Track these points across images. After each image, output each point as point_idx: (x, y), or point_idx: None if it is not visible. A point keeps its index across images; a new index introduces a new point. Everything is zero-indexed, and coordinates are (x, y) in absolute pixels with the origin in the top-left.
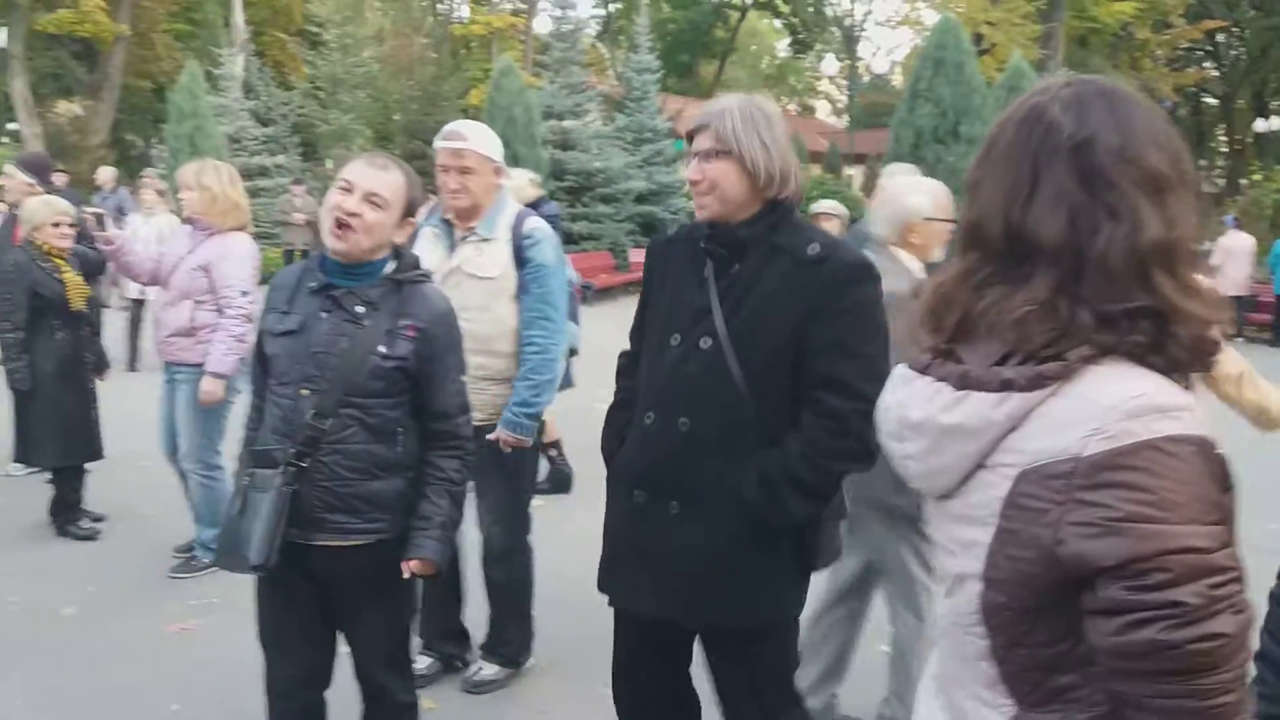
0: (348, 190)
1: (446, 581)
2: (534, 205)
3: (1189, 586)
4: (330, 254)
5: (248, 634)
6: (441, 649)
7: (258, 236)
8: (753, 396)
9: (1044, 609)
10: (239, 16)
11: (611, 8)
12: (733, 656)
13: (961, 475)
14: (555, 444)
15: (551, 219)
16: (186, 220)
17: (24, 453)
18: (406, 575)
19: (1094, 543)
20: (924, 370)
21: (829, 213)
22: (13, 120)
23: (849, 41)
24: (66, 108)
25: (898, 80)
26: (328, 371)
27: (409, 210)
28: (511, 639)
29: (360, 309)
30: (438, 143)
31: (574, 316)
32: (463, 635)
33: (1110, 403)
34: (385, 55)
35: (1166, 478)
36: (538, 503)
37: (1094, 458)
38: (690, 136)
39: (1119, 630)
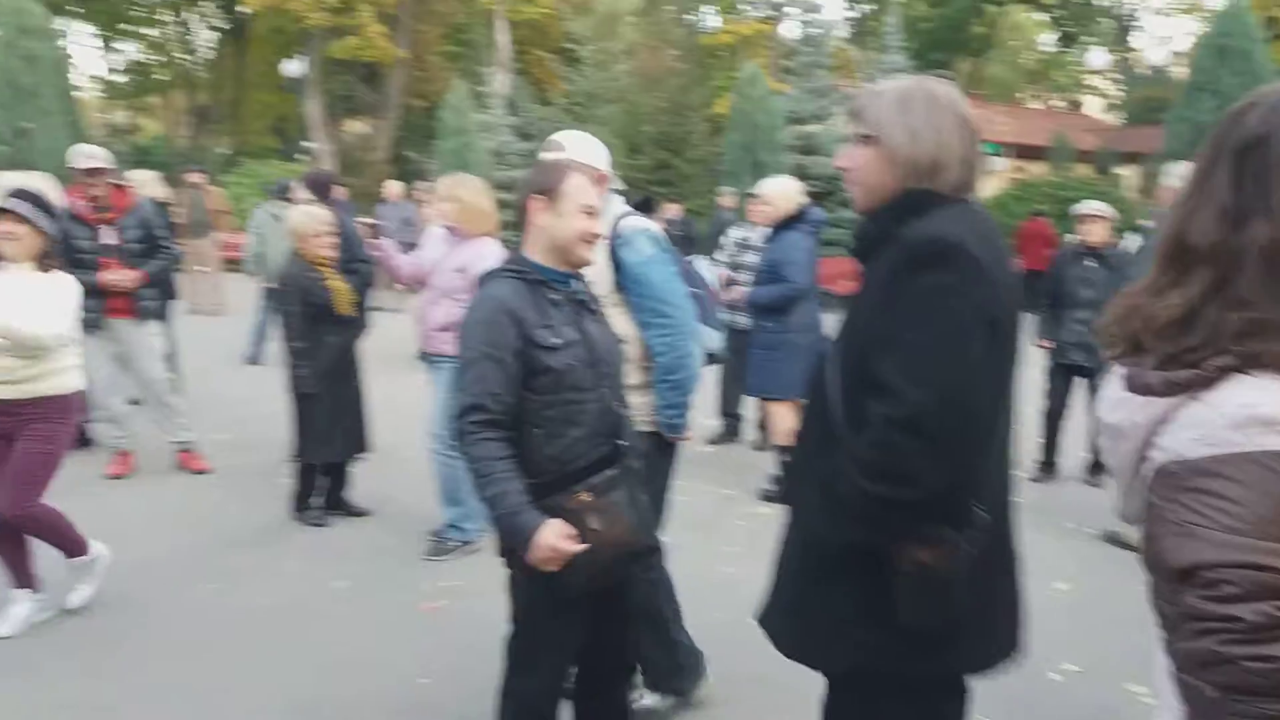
0: (594, 214)
1: None
2: (800, 213)
3: (1252, 604)
4: (577, 269)
5: (489, 616)
6: None
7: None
8: (844, 403)
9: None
10: (503, 37)
11: (864, 8)
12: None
13: (1132, 470)
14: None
15: (816, 224)
16: (446, 228)
17: (308, 450)
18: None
19: (1173, 541)
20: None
21: (1096, 214)
22: (308, 139)
23: (1122, 32)
24: (354, 127)
25: (1179, 72)
26: (610, 366)
27: None
28: (662, 666)
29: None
30: (540, 154)
31: (708, 320)
32: None
33: (1222, 410)
34: (636, 68)
35: (1257, 490)
36: (764, 510)
37: (1193, 462)
38: None
39: (1189, 636)
